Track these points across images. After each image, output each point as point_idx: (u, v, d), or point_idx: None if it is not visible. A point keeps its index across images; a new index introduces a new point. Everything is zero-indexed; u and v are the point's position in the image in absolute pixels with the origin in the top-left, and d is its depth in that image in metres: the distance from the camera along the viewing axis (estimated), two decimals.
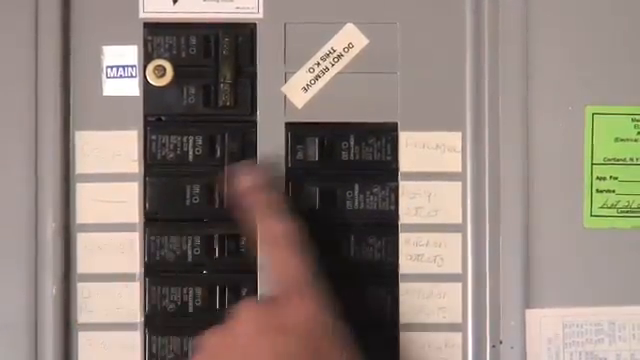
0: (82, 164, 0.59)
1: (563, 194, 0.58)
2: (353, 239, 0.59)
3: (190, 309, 0.58)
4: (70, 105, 0.59)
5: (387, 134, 0.59)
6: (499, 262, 0.58)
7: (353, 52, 0.59)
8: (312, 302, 0.52)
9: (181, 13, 0.59)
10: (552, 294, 0.58)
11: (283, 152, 0.59)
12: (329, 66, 0.59)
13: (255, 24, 0.59)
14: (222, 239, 0.58)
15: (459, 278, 0.59)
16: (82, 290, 0.58)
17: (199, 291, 0.58)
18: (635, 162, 0.58)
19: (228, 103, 0.59)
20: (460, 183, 0.59)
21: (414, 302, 0.59)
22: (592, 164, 0.58)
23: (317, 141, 0.59)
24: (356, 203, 0.59)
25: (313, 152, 0.59)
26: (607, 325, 0.58)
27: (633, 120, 0.58)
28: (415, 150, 0.59)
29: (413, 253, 0.59)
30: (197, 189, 0.59)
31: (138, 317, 0.58)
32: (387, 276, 0.59)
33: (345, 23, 0.59)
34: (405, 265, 0.59)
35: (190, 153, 0.59)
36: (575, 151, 0.58)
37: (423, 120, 0.59)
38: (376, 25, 0.59)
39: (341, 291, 0.54)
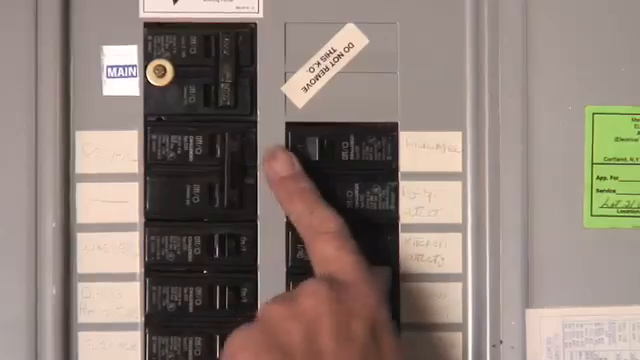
0: (82, 164, 0.59)
1: (563, 194, 0.58)
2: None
3: (190, 309, 0.58)
4: (70, 105, 0.59)
5: (387, 134, 0.59)
6: (499, 262, 0.58)
7: (353, 52, 0.59)
8: (376, 292, 0.53)
9: (181, 13, 0.59)
10: (552, 294, 0.58)
11: None
12: (329, 66, 0.59)
13: (255, 24, 0.59)
14: (222, 239, 0.58)
15: (459, 278, 0.59)
16: (82, 290, 0.58)
17: (199, 291, 0.58)
18: (635, 162, 0.58)
19: (228, 103, 0.59)
20: (460, 183, 0.59)
21: (414, 302, 0.59)
22: (592, 164, 0.58)
23: (317, 141, 0.59)
24: (356, 203, 0.59)
25: (313, 152, 0.59)
26: (607, 325, 0.58)
27: (633, 120, 0.58)
28: (415, 150, 0.59)
29: (413, 253, 0.59)
30: (197, 189, 0.59)
31: (138, 317, 0.58)
32: None
33: (345, 23, 0.59)
34: (405, 265, 0.59)
35: (190, 153, 0.59)
36: (575, 151, 0.58)
37: (423, 120, 0.59)
38: (376, 25, 0.59)
39: None
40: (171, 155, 0.59)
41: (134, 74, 0.59)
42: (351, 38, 0.59)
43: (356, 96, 0.59)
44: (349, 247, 0.54)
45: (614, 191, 0.58)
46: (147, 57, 0.59)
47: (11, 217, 0.57)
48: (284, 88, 0.59)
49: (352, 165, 0.59)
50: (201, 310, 0.58)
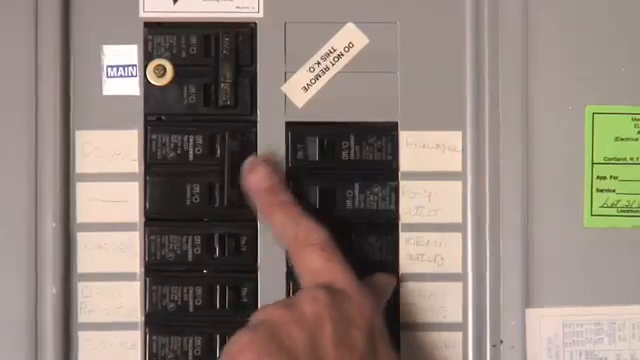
0: (82, 164, 0.59)
1: (563, 194, 0.58)
2: (353, 238, 0.59)
3: (190, 309, 0.58)
4: (70, 105, 0.59)
5: (387, 133, 0.59)
6: (499, 262, 0.58)
7: (353, 51, 0.59)
8: (370, 301, 0.53)
9: (181, 13, 0.59)
10: (552, 294, 0.58)
11: (283, 152, 0.59)
12: (329, 65, 0.59)
13: (255, 24, 0.59)
14: (222, 239, 0.59)
15: (459, 278, 0.59)
16: (82, 290, 0.58)
17: (199, 291, 0.58)
18: (635, 161, 0.58)
19: (228, 103, 0.59)
20: (460, 183, 0.59)
21: (414, 302, 0.59)
22: (592, 163, 0.58)
23: (317, 140, 0.59)
24: (356, 203, 0.59)
25: (313, 151, 0.59)
26: (607, 324, 0.58)
27: (633, 120, 0.58)
28: (415, 149, 0.59)
29: (413, 253, 0.59)
30: (197, 189, 0.59)
31: (138, 316, 0.58)
32: None
33: (345, 23, 0.59)
34: (405, 265, 0.59)
35: (190, 153, 0.59)
36: (575, 151, 0.58)
37: (423, 119, 0.59)
38: (376, 25, 0.59)
39: None
40: (171, 155, 0.59)
41: (134, 74, 0.59)
42: (351, 38, 0.59)
43: (356, 96, 0.59)
44: (337, 258, 0.54)
45: (614, 191, 0.58)
46: (147, 57, 0.59)
47: (11, 217, 0.57)
48: (284, 88, 0.59)
49: (352, 165, 0.59)
50: (201, 310, 0.58)
